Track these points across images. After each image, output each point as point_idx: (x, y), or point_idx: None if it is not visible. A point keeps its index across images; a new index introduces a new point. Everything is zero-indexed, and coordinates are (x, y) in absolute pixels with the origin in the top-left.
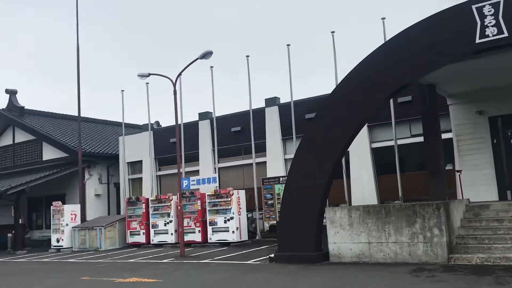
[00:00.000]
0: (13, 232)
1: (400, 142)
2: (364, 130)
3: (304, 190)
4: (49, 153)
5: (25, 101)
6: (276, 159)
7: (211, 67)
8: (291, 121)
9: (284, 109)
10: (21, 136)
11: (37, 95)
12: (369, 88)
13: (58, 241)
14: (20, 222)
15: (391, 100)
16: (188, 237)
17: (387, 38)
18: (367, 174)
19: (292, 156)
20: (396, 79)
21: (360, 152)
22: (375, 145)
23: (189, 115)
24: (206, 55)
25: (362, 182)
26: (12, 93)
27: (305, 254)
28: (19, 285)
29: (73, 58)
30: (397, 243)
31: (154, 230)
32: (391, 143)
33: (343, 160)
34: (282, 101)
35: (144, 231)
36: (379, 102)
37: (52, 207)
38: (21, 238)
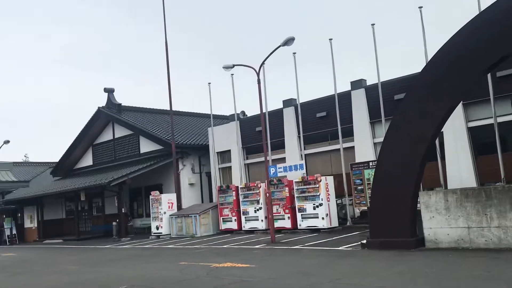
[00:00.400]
0: (117, 220)
1: (500, 119)
2: (459, 109)
3: (396, 174)
4: (146, 146)
5: (121, 98)
6: (365, 143)
7: (294, 53)
8: (379, 103)
9: (371, 91)
10: (120, 131)
11: (131, 92)
12: (465, 62)
13: (157, 228)
14: (123, 211)
15: (489, 75)
16: (277, 224)
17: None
18: (464, 155)
19: (381, 139)
20: (495, 50)
21: (455, 132)
22: (471, 124)
23: (274, 103)
24: (289, 41)
25: (459, 164)
26: (110, 91)
27: (399, 240)
28: (126, 268)
29: (160, 53)
30: (501, 227)
31: (245, 217)
32: (490, 121)
33: (436, 141)
34: (368, 83)
35: (235, 217)
36: (476, 76)
37: (150, 197)
38: (125, 226)
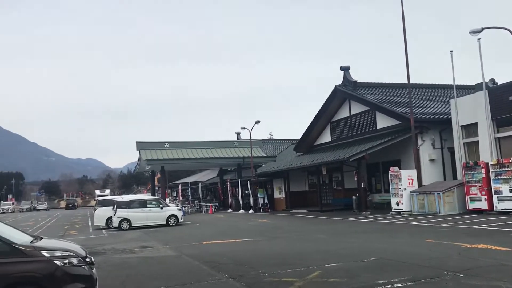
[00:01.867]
0: (357, 194)
1: None
2: None
3: None
4: (382, 121)
5: (357, 75)
6: None
7: None
8: None
9: None
10: (356, 108)
11: (367, 69)
12: None
13: (397, 204)
14: (362, 186)
15: None
16: None
17: None
18: None
19: None
20: None
21: None
22: None
23: None
24: None
25: None
26: (345, 69)
27: None
28: (371, 241)
29: (397, 27)
30: None
31: (497, 197)
32: None
33: None
34: None
35: (485, 197)
36: None
37: (389, 172)
38: (364, 200)
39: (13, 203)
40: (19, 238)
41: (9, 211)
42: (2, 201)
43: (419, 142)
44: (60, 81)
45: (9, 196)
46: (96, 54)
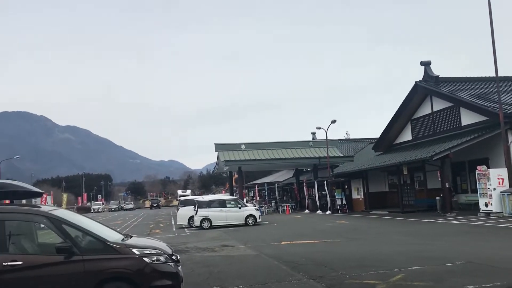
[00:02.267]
0: (441, 195)
1: None
2: None
3: None
4: (468, 117)
5: (439, 70)
6: None
7: None
8: None
9: None
10: (439, 104)
11: (448, 63)
12: None
13: (486, 205)
14: (446, 186)
15: None
16: None
17: None
18: None
19: None
20: None
21: None
22: None
23: None
24: None
25: None
26: (426, 64)
27: None
28: (458, 244)
29: (480, 20)
30: None
31: None
32: None
33: None
34: None
35: None
36: None
37: (477, 172)
38: (449, 201)
39: (102, 203)
40: (111, 236)
41: (99, 210)
42: (93, 201)
43: (510, 138)
44: (143, 87)
45: (99, 196)
46: (180, 57)
